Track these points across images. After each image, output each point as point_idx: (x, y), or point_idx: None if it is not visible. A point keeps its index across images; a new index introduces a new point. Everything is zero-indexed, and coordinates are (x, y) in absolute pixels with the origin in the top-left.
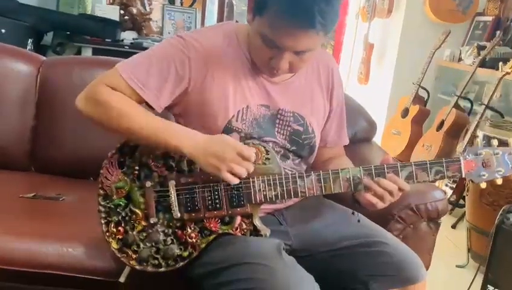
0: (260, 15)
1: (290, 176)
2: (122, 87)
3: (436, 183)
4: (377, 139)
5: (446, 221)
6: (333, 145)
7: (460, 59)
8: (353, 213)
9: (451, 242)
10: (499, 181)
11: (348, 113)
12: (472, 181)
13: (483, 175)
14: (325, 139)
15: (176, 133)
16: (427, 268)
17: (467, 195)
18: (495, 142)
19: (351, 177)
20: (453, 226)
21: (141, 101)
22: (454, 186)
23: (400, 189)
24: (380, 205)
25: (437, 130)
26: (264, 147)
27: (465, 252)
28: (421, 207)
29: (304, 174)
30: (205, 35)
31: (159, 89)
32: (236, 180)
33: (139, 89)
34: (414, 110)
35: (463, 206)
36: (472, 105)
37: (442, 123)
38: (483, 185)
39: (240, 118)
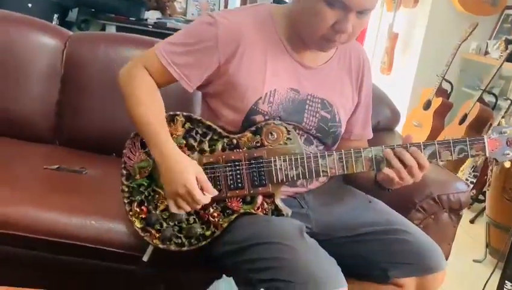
0: None
1: (311, 155)
2: (156, 66)
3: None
4: (398, 130)
5: (465, 215)
6: (358, 138)
7: (486, 52)
8: (370, 202)
9: (469, 237)
10: (508, 164)
11: (372, 101)
12: (496, 160)
13: (508, 154)
14: (350, 131)
15: (160, 151)
16: (446, 259)
17: (488, 190)
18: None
19: (373, 156)
20: (472, 221)
21: (173, 80)
22: (474, 181)
23: (419, 166)
24: (397, 180)
25: (459, 124)
26: (286, 128)
27: (482, 247)
28: (443, 198)
29: (326, 154)
30: (237, 15)
31: (190, 69)
32: (177, 211)
33: (170, 68)
34: (437, 102)
35: (482, 201)
36: (497, 100)
37: (465, 117)
38: (508, 165)
39: (267, 100)
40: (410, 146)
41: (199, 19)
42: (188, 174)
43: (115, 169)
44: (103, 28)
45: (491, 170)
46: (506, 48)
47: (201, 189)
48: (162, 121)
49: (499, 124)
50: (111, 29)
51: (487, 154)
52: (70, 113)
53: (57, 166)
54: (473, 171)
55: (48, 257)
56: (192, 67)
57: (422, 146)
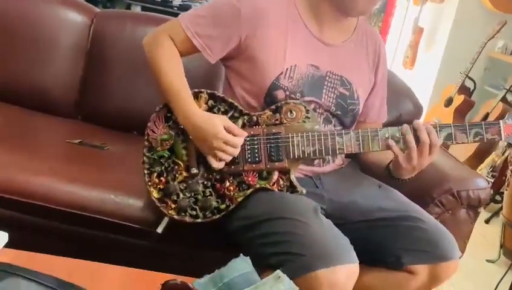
0: None
1: (328, 133)
2: (180, 36)
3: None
4: None
5: (480, 215)
6: (373, 121)
7: None
8: (380, 187)
9: (483, 236)
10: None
11: (395, 94)
12: (510, 144)
13: None
14: (366, 114)
15: (181, 108)
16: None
17: (506, 190)
18: None
19: (390, 136)
20: (487, 221)
21: (196, 51)
22: (492, 181)
23: (431, 144)
24: (404, 160)
25: None
26: (305, 107)
27: (496, 248)
28: (463, 194)
29: (343, 132)
30: None
31: (212, 40)
32: (220, 165)
33: (193, 38)
34: (458, 100)
35: (499, 202)
36: None
37: (486, 116)
38: (487, 170)
39: (288, 75)
40: (426, 126)
41: None
42: (216, 126)
43: (136, 146)
44: (128, 7)
45: (511, 170)
46: None
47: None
48: (184, 84)
49: None
50: (136, 8)
51: (503, 139)
52: (94, 89)
53: (79, 140)
54: (491, 171)
55: (65, 228)
56: (215, 40)
57: (438, 127)
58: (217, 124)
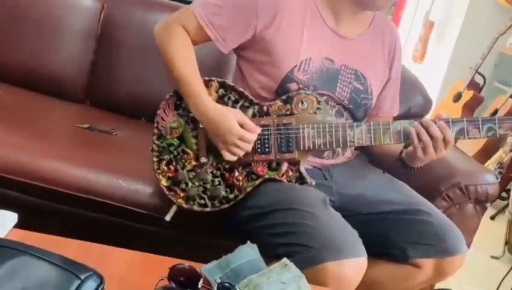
0: None
1: (340, 125)
2: (193, 26)
3: None
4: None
5: (486, 212)
6: (385, 114)
7: None
8: (384, 172)
9: (489, 233)
10: None
11: (405, 86)
12: (501, 158)
13: None
14: (378, 107)
15: (195, 100)
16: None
17: None
18: None
19: (401, 129)
20: (492, 217)
21: (208, 40)
22: (499, 177)
23: (445, 140)
24: (420, 155)
25: None
26: (316, 98)
27: (501, 244)
28: (471, 188)
29: (354, 124)
30: None
31: (226, 30)
32: (233, 158)
33: (207, 28)
34: (468, 95)
35: (505, 199)
36: None
37: (495, 112)
38: (494, 166)
39: (302, 68)
40: (438, 120)
41: None
42: (230, 121)
43: (145, 133)
44: None
45: None
46: None
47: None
48: (197, 77)
49: None
50: None
51: None
52: (103, 74)
53: (87, 125)
54: (499, 168)
55: (73, 211)
56: (229, 30)
57: (450, 122)
58: (231, 119)
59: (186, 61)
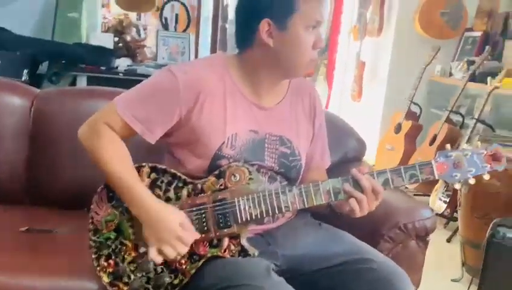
0: (293, 12)
1: (273, 192)
2: (117, 122)
3: (431, 198)
4: (372, 154)
5: (441, 235)
6: (316, 168)
7: (451, 74)
8: (320, 224)
9: (447, 256)
10: (472, 181)
11: (338, 133)
12: (446, 182)
13: (456, 175)
14: (309, 163)
15: (131, 197)
16: (417, 286)
17: (459, 209)
18: (464, 146)
19: (331, 188)
20: (448, 240)
21: (136, 134)
22: (447, 200)
23: (374, 191)
24: (355, 212)
25: (430, 145)
26: (247, 169)
27: (460, 266)
28: (409, 226)
29: (286, 189)
30: (193, 67)
31: (152, 122)
32: (158, 260)
33: (132, 123)
34: (407, 125)
35: (457, 219)
36: (464, 119)
37: (434, 138)
38: (458, 186)
39: (230, 144)
40: (364, 175)
41: (157, 73)
42: (172, 223)
43: (86, 224)
44: (74, 79)
45: (460, 190)
46: (469, 69)
47: None
48: (133, 173)
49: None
50: (82, 80)
51: (436, 177)
52: (41, 171)
53: (26, 227)
54: (446, 191)
55: None
56: (155, 121)
57: (375, 174)
58: (173, 221)
59: (119, 163)
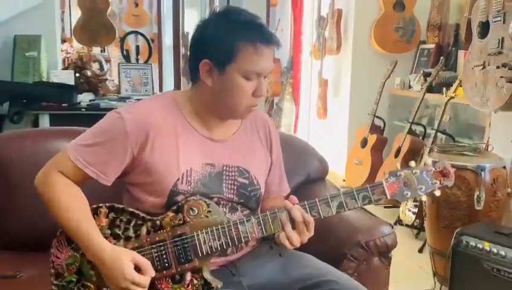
0: (233, 61)
1: (231, 223)
2: (71, 168)
3: (400, 209)
4: (341, 170)
5: (413, 246)
6: (275, 195)
7: (410, 86)
8: (280, 255)
9: (419, 267)
10: (424, 198)
11: (300, 155)
12: (398, 201)
13: (407, 194)
14: (268, 191)
15: (86, 244)
16: None
17: (425, 220)
18: (412, 163)
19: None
20: (420, 250)
21: (91, 178)
22: (416, 210)
23: (305, 222)
24: (285, 242)
25: (395, 157)
26: (205, 201)
27: (432, 276)
28: (371, 243)
29: (245, 219)
30: (141, 107)
31: (105, 165)
32: None
33: (85, 168)
34: (372, 139)
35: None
36: (425, 129)
37: (399, 150)
38: (424, 198)
39: (185, 180)
40: (319, 200)
41: (106, 116)
42: (124, 265)
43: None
44: (36, 118)
45: (424, 202)
46: (425, 80)
47: (139, 271)
48: (89, 222)
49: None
50: (44, 118)
51: (388, 197)
52: (1, 214)
53: None
54: (413, 202)
55: None
56: (108, 164)
57: (329, 198)
58: (125, 262)
59: (74, 210)
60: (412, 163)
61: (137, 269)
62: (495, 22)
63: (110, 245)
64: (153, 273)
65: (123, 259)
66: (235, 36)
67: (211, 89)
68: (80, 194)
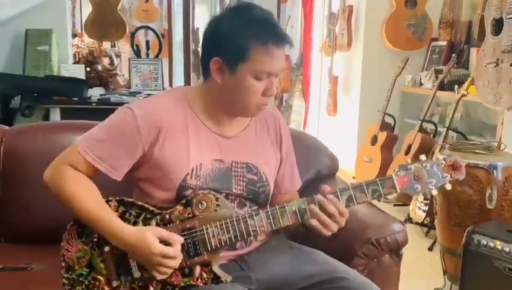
0: (244, 60)
1: (240, 217)
2: (81, 163)
3: (410, 207)
4: (351, 167)
5: (422, 244)
6: (287, 191)
7: (421, 84)
8: (291, 247)
9: (429, 265)
10: (434, 192)
11: (310, 152)
12: (409, 195)
13: (417, 188)
14: (279, 186)
15: (109, 230)
16: None
17: (436, 218)
18: (423, 157)
19: (297, 209)
20: (430, 249)
21: (100, 172)
22: (426, 208)
23: (340, 213)
24: (325, 231)
25: (405, 155)
26: (214, 195)
27: (442, 275)
28: (381, 241)
29: (253, 213)
30: (152, 102)
31: (115, 159)
32: (164, 276)
33: (96, 163)
34: (382, 136)
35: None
36: (436, 127)
37: (409, 147)
38: (449, 187)
39: (195, 175)
40: (328, 194)
41: (117, 111)
42: (149, 242)
43: None
44: (47, 112)
45: (435, 199)
46: (437, 78)
47: (168, 244)
48: (103, 207)
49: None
50: (55, 112)
51: (398, 191)
52: (13, 207)
53: (1, 266)
54: (424, 199)
55: None
56: (118, 159)
57: (338, 192)
58: (149, 238)
59: (87, 199)
60: (423, 157)
61: (166, 243)
62: (509, 18)
63: (132, 228)
64: (181, 240)
65: (147, 236)
66: (247, 37)
67: (221, 86)
68: (92, 185)
